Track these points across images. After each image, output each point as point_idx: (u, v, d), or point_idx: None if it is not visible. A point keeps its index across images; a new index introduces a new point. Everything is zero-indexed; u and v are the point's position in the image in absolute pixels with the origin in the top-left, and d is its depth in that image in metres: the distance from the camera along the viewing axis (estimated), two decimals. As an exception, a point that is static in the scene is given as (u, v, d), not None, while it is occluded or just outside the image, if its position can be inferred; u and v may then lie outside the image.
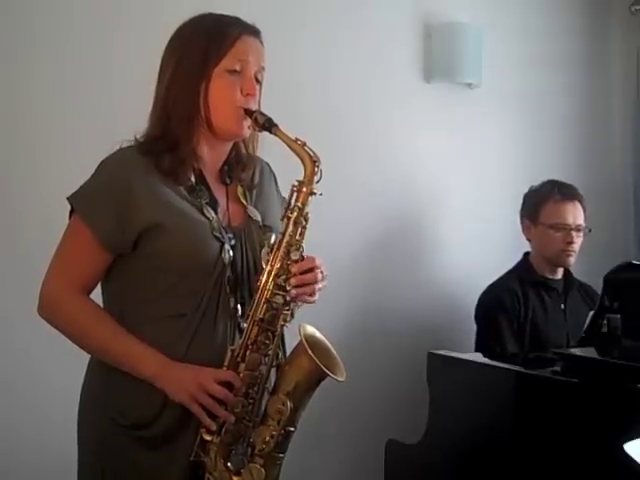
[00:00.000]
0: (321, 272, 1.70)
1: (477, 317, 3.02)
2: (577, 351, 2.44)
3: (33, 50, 2.41)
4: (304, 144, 1.69)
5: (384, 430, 2.69)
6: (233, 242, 1.72)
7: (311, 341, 1.68)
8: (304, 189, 1.68)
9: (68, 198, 1.70)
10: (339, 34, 2.98)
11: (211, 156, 1.77)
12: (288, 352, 1.74)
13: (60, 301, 1.69)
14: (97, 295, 1.75)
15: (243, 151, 1.82)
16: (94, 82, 2.48)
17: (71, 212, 1.71)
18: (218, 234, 1.69)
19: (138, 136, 1.73)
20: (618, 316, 2.29)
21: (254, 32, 1.75)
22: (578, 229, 2.95)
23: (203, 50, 1.69)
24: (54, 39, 2.43)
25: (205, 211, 1.70)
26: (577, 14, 3.68)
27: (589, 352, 2.34)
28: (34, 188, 2.41)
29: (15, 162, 2.40)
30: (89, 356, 1.75)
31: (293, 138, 1.68)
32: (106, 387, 1.70)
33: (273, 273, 1.67)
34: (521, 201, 3.06)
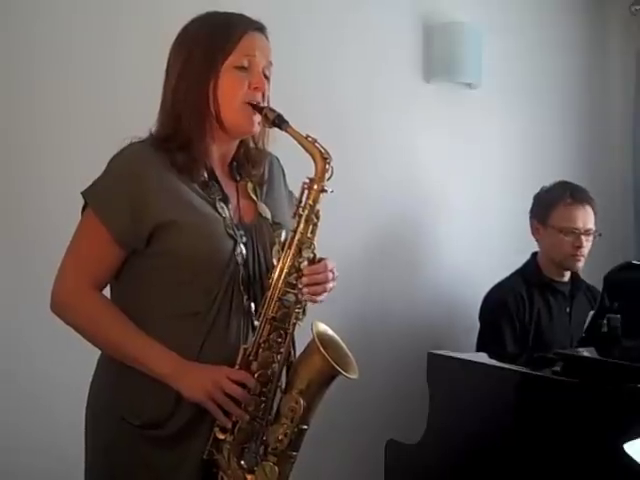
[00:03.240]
0: (332, 272, 1.71)
1: (480, 318, 3.01)
2: (577, 351, 2.43)
3: (34, 50, 2.40)
4: (315, 141, 1.68)
5: (384, 430, 2.69)
6: (244, 239, 1.72)
7: (323, 339, 1.68)
8: (315, 186, 1.68)
9: (82, 193, 1.69)
10: (339, 35, 2.99)
11: (220, 152, 1.78)
12: (298, 349, 1.74)
13: (74, 298, 1.68)
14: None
15: (252, 146, 1.82)
16: (97, 80, 2.48)
17: (84, 208, 1.71)
18: (231, 231, 1.69)
19: (151, 132, 1.72)
20: (618, 316, 2.29)
21: (259, 28, 1.75)
22: (587, 233, 2.93)
23: (210, 47, 1.70)
24: (56, 38, 2.43)
25: (218, 207, 1.70)
26: (577, 14, 3.68)
27: (589, 352, 2.34)
28: (37, 186, 2.41)
29: (17, 162, 2.40)
30: (94, 352, 1.74)
31: (304, 135, 1.68)
32: (117, 386, 1.70)
33: (285, 271, 1.67)
34: (522, 201, 3.06)
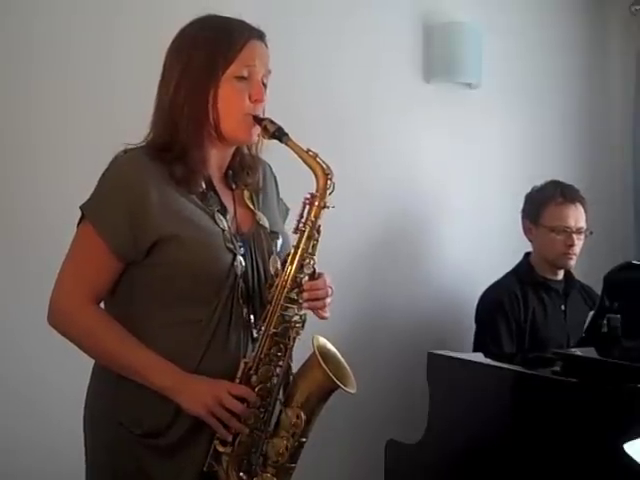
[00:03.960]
0: (330, 287, 1.72)
1: (476, 318, 3.03)
2: (577, 351, 2.44)
3: (32, 50, 2.40)
4: (316, 155, 1.67)
5: (384, 430, 2.69)
6: (243, 251, 1.70)
7: (323, 352, 1.68)
8: (317, 203, 1.67)
9: (81, 207, 1.67)
10: (338, 35, 2.98)
11: (216, 160, 1.76)
12: (295, 362, 1.73)
13: (71, 311, 1.66)
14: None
15: (246, 153, 1.80)
16: (94, 81, 2.48)
17: (80, 219, 1.68)
18: (231, 245, 1.68)
19: (142, 142, 1.71)
20: (618, 316, 2.29)
21: (260, 36, 1.72)
22: (579, 232, 2.95)
23: (210, 56, 1.67)
24: (54, 38, 2.43)
25: (217, 219, 1.69)
26: (577, 14, 3.68)
27: (589, 352, 2.34)
28: (31, 186, 2.40)
29: (11, 162, 2.40)
30: (90, 359, 1.73)
31: (305, 149, 1.66)
32: (115, 395, 1.68)
33: (286, 287, 1.66)
34: (522, 201, 3.06)
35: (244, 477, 1.65)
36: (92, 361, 1.74)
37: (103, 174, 1.68)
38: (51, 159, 2.43)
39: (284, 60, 2.59)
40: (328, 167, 1.67)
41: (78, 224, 1.69)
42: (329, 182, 1.66)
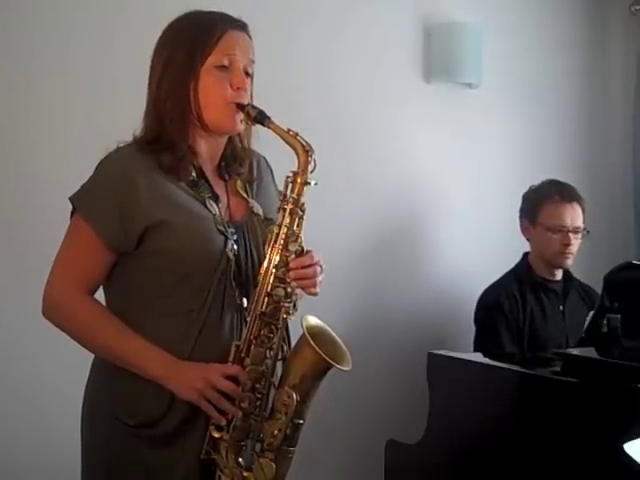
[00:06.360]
0: (320, 266, 1.71)
1: (476, 319, 3.02)
2: (577, 351, 2.44)
3: (32, 46, 2.40)
4: (296, 134, 1.68)
5: (384, 430, 2.69)
6: (235, 237, 1.71)
7: (314, 332, 1.67)
8: (298, 180, 1.68)
9: (70, 198, 1.69)
10: (339, 34, 2.98)
11: (208, 151, 1.78)
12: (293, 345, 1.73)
13: (64, 302, 1.68)
14: (99, 293, 1.75)
15: (238, 145, 1.82)
16: (93, 77, 2.48)
17: (72, 212, 1.70)
18: (222, 228, 1.69)
19: (135, 136, 1.73)
20: (618, 316, 2.29)
21: (239, 26, 1.74)
22: (576, 231, 2.94)
23: (189, 49, 1.70)
24: (54, 34, 2.43)
25: (208, 205, 1.70)
26: (577, 14, 3.68)
27: (589, 352, 2.34)
28: (32, 182, 2.41)
29: (12, 158, 2.40)
30: (89, 354, 1.74)
31: (285, 129, 1.68)
32: (112, 387, 1.70)
33: (272, 266, 1.67)
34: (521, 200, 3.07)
35: (242, 463, 1.65)
36: (91, 358, 1.75)
37: (95, 169, 1.70)
38: (52, 155, 2.43)
39: (285, 57, 2.60)
40: (308, 144, 1.68)
41: (71, 216, 1.70)
42: (310, 158, 1.68)
